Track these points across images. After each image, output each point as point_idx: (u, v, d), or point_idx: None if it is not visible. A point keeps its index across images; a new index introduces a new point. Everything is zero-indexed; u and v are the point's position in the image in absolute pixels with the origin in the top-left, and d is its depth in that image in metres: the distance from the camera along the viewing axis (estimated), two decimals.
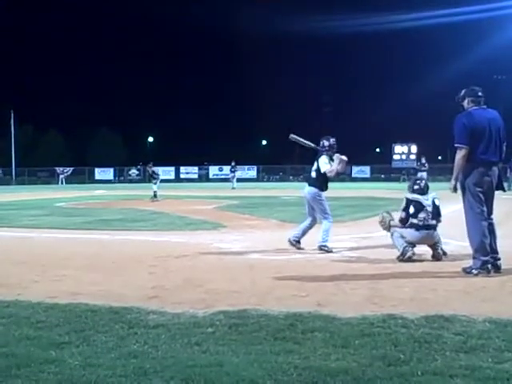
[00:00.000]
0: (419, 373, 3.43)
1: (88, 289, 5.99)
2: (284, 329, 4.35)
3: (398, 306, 5.07)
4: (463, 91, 7.11)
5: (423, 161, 33.11)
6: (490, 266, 6.65)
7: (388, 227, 8.12)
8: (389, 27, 65.63)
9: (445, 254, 7.79)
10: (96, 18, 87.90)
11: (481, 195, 6.78)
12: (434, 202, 7.87)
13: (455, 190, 6.94)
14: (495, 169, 6.90)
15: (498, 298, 5.51)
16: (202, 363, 3.62)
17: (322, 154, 9.07)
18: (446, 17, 61.25)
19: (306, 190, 9.18)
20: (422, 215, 7.76)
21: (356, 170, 62.23)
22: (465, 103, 7.04)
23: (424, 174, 30.54)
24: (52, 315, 4.81)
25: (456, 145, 6.85)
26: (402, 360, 3.64)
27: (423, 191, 7.98)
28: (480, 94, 7.04)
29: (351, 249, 8.91)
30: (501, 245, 7.11)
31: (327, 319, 4.61)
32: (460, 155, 6.80)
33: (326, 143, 9.16)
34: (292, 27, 71.49)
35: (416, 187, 8.05)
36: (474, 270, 6.61)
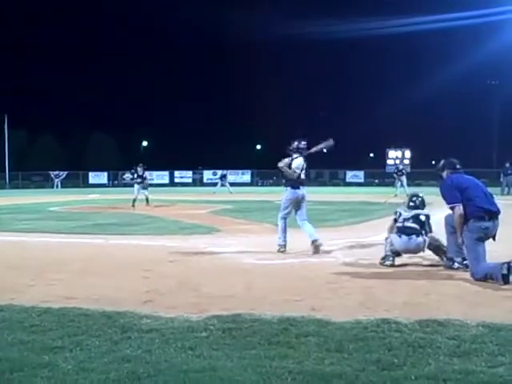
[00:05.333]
0: (413, 377, 3.44)
1: (82, 293, 5.98)
2: (278, 333, 4.35)
3: (392, 311, 5.08)
4: (442, 162, 7.41)
5: (400, 167, 33.27)
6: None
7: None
8: (383, 32, 65.84)
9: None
10: (91, 21, 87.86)
11: (482, 246, 6.87)
12: (416, 216, 7.91)
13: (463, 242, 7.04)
14: (497, 222, 6.95)
15: (491, 303, 5.53)
16: (195, 368, 3.61)
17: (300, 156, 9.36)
18: (439, 22, 61.51)
19: (303, 190, 9.33)
20: (400, 219, 7.93)
21: (350, 175, 62.36)
22: (444, 174, 7.32)
23: (404, 179, 30.49)
24: (45, 319, 4.80)
25: (450, 205, 6.98)
26: (395, 364, 3.65)
27: (418, 208, 8.07)
28: (458, 166, 7.31)
29: (345, 253, 8.91)
30: (495, 249, 7.14)
31: (321, 323, 4.62)
32: (457, 214, 6.86)
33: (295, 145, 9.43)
34: (287, 31, 71.59)
35: (411, 204, 8.18)
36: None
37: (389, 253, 7.77)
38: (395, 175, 31.85)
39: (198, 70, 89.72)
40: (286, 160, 9.35)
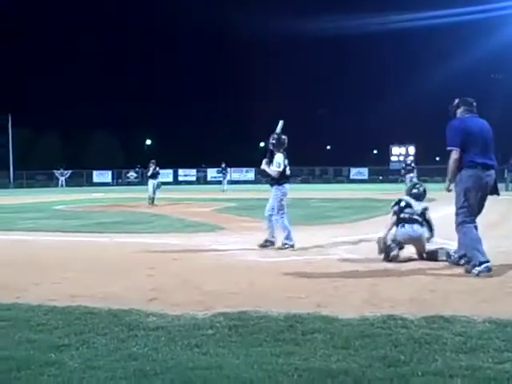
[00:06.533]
0: (419, 373, 3.43)
1: (87, 291, 5.98)
2: (284, 330, 4.35)
3: (398, 307, 5.07)
4: (457, 100, 7.25)
5: (408, 162, 32.87)
6: (489, 265, 6.62)
7: (383, 249, 7.95)
8: (385, 28, 65.81)
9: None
10: (93, 20, 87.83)
11: (473, 200, 6.79)
12: (424, 213, 7.94)
13: (449, 190, 6.99)
14: (492, 172, 6.92)
15: (497, 299, 5.51)
16: (202, 365, 3.62)
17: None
18: (442, 17, 61.39)
19: (288, 186, 9.50)
20: (408, 210, 7.87)
21: (354, 172, 62.42)
22: (458, 111, 7.16)
23: (413, 176, 30.14)
24: (52, 318, 4.80)
25: (448, 148, 6.88)
26: (402, 361, 3.64)
27: (420, 196, 8.04)
28: (474, 103, 7.20)
29: (349, 250, 8.90)
30: (500, 245, 7.13)
31: (327, 320, 4.61)
32: (452, 158, 6.83)
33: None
34: (288, 28, 71.57)
35: (414, 191, 8.18)
36: (474, 270, 6.60)
37: (392, 244, 7.74)
38: (403, 171, 31.37)
39: (201, 68, 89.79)
40: (266, 160, 9.50)
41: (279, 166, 9.30)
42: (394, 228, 7.91)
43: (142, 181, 50.29)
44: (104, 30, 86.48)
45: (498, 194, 7.18)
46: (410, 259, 7.81)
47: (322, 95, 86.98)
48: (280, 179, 9.36)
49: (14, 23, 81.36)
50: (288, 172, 9.54)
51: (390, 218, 8.11)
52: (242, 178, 59.25)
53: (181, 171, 65.40)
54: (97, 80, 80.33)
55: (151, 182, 22.55)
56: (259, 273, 7.14)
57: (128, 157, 77.50)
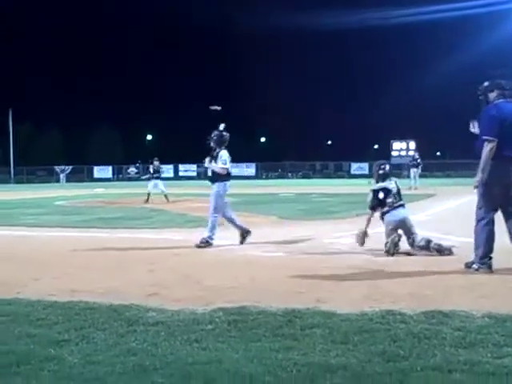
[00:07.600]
0: (418, 368, 3.43)
1: (87, 287, 5.99)
2: (283, 325, 4.35)
3: (397, 302, 5.07)
4: (487, 83, 6.90)
5: (416, 156, 32.82)
6: (490, 262, 6.60)
7: (361, 240, 8.28)
8: (388, 23, 65.70)
9: (445, 251, 7.69)
10: (94, 15, 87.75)
11: (497, 193, 6.65)
12: (397, 185, 8.30)
13: (477, 186, 6.66)
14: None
15: (497, 294, 5.51)
16: (201, 360, 3.62)
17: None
18: (444, 12, 61.23)
19: (229, 184, 9.45)
20: (388, 200, 8.12)
21: (355, 167, 62.44)
22: (493, 95, 6.79)
23: (417, 171, 30.24)
24: (51, 313, 4.80)
25: (484, 137, 6.56)
26: (401, 356, 3.64)
27: (388, 175, 8.35)
28: (507, 87, 6.83)
29: (350, 245, 8.90)
30: (503, 240, 7.10)
31: (326, 315, 4.61)
32: (489, 148, 6.50)
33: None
34: (291, 23, 71.44)
35: (381, 172, 8.41)
36: (474, 265, 6.59)
37: (389, 241, 7.86)
38: (409, 164, 31.40)
39: (203, 63, 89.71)
40: (209, 158, 9.41)
41: (225, 163, 9.23)
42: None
43: (142, 176, 50.23)
44: (105, 24, 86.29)
45: None
46: (410, 254, 7.82)
47: (323, 91, 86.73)
48: (223, 176, 9.29)
49: (13, 23, 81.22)
50: (230, 170, 9.50)
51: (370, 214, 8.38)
52: (242, 173, 59.20)
53: (181, 166, 65.45)
54: (98, 74, 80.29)
55: (153, 182, 21.78)
56: (259, 268, 7.14)
57: (129, 152, 77.49)
